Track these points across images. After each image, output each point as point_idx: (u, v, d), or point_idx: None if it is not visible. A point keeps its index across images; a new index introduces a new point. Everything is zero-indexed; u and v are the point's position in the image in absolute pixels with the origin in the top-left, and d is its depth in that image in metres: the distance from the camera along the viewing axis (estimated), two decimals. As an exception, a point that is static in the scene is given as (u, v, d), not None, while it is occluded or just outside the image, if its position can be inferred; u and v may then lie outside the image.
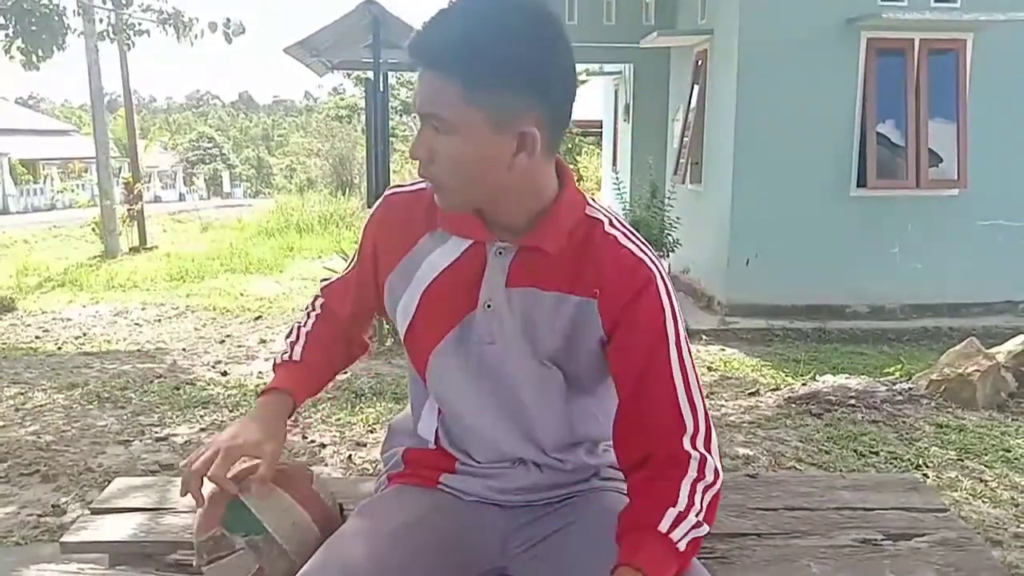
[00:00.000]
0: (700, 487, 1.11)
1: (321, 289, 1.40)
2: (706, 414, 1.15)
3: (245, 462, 1.19)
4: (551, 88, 1.08)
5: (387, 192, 1.30)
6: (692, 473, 1.11)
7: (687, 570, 1.10)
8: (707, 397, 1.18)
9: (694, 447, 1.13)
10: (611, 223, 1.19)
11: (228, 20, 8.14)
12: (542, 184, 1.15)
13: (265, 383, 1.34)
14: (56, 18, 7.20)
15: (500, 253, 1.17)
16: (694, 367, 1.17)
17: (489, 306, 1.17)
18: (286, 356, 1.32)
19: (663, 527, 1.07)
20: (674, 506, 1.09)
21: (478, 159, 1.08)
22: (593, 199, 1.23)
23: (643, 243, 1.19)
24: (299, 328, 1.36)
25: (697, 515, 1.09)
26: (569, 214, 1.17)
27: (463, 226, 1.18)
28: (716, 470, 1.13)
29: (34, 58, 7.24)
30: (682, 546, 1.07)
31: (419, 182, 1.23)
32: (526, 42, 1.05)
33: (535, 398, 1.22)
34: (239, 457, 1.18)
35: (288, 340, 1.35)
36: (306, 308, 1.40)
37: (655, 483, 1.12)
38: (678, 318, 1.17)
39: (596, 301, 1.15)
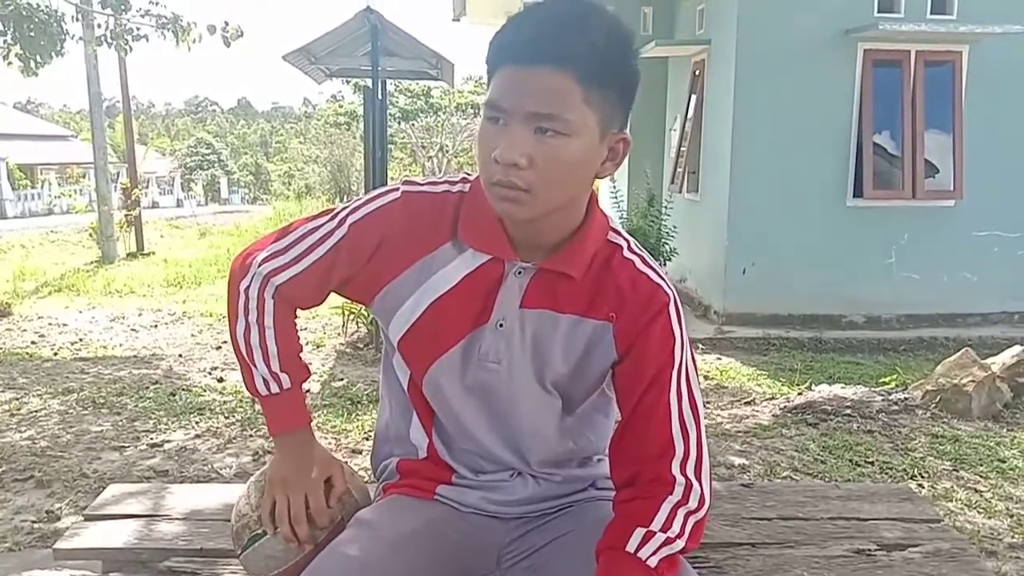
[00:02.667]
0: (681, 511, 1.11)
1: (269, 276, 1.19)
2: (699, 441, 1.15)
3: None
4: (634, 99, 1.07)
5: (403, 187, 1.18)
6: (676, 496, 1.11)
7: None
8: (703, 406, 1.17)
9: (682, 472, 1.12)
10: (630, 247, 1.19)
11: (226, 23, 8.15)
12: (583, 202, 1.14)
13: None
14: (55, 24, 7.20)
15: (519, 273, 1.15)
16: (692, 396, 1.16)
17: (501, 325, 1.16)
18: (274, 388, 1.22)
19: (631, 547, 1.07)
20: (646, 525, 1.09)
21: (580, 165, 1.05)
22: (612, 222, 1.22)
23: (659, 269, 1.19)
24: (263, 338, 1.21)
25: (670, 534, 1.09)
26: (595, 238, 1.16)
27: (487, 241, 1.14)
28: (702, 497, 1.13)
29: (32, 64, 7.23)
30: (653, 562, 1.07)
31: (437, 182, 1.19)
32: (629, 46, 1.04)
33: (531, 419, 1.22)
34: (321, 485, 1.27)
35: (259, 356, 1.21)
36: (250, 301, 1.21)
37: (635, 503, 1.12)
38: (686, 345, 1.17)
39: (612, 325, 1.15)
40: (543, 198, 1.04)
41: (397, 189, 1.19)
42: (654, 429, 1.13)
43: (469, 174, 1.21)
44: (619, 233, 1.20)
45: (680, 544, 1.09)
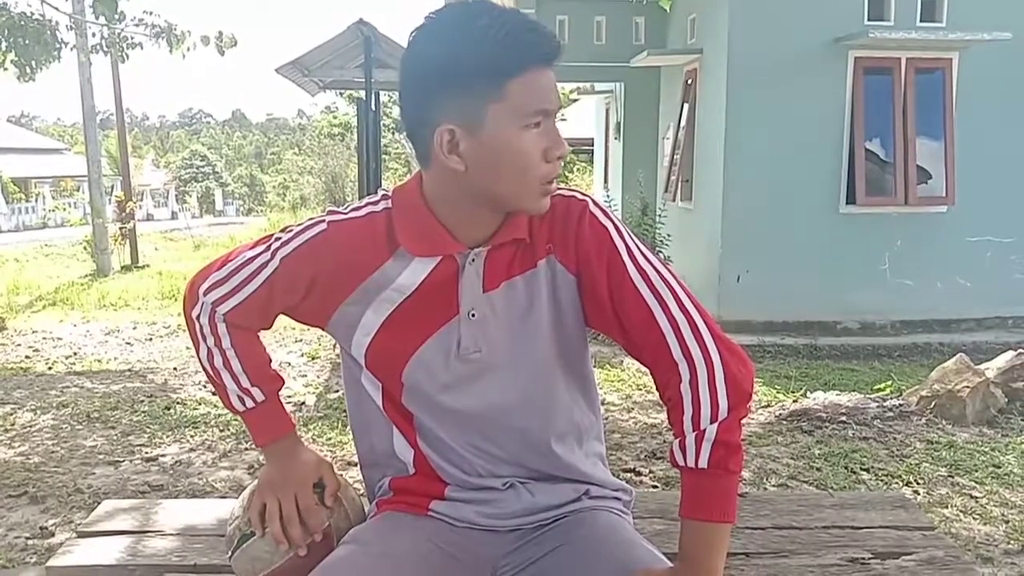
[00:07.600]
0: (697, 391, 1.10)
1: (214, 305, 1.22)
2: (681, 306, 1.13)
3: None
4: None
5: (328, 218, 1.19)
6: (684, 378, 1.11)
7: (731, 468, 1.10)
8: (674, 276, 1.17)
9: (680, 345, 1.11)
10: None
11: (220, 33, 8.15)
12: None
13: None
14: (49, 33, 7.19)
15: (473, 260, 1.17)
16: (657, 270, 1.15)
17: (473, 315, 1.17)
18: (249, 404, 1.26)
19: (680, 462, 1.11)
20: (678, 435, 1.11)
21: None
22: None
23: (569, 189, 1.22)
24: (226, 359, 1.25)
25: (699, 427, 1.08)
26: None
27: (432, 245, 1.15)
28: (707, 360, 1.10)
29: (27, 70, 7.21)
30: (703, 463, 1.08)
31: (360, 206, 1.21)
32: None
33: (522, 394, 1.21)
34: (311, 486, 1.27)
35: (227, 376, 1.25)
36: (204, 328, 1.24)
37: (669, 414, 1.14)
38: (624, 231, 1.18)
39: (554, 255, 1.18)
40: None
41: (323, 221, 1.19)
42: (636, 320, 1.14)
43: (388, 191, 1.23)
44: None
45: (712, 428, 1.08)
